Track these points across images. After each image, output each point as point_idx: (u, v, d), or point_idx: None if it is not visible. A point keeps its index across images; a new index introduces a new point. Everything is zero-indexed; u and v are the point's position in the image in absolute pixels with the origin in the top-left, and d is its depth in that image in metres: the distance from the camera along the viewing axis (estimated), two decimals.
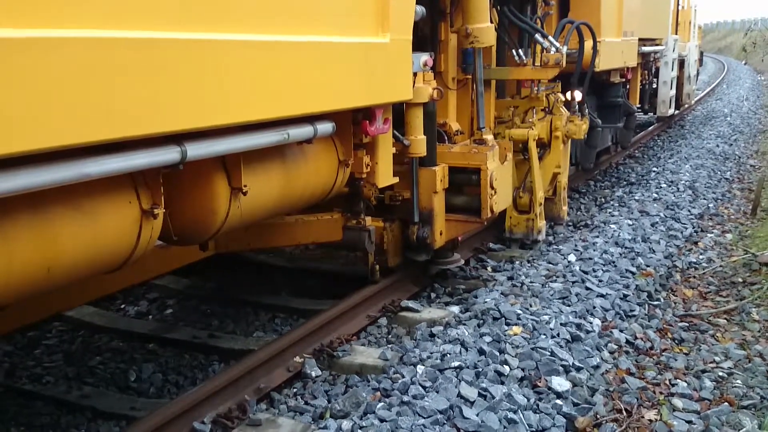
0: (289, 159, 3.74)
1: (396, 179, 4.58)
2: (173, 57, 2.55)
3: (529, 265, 5.69)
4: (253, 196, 3.40)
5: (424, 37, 5.27)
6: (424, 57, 4.48)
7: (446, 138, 5.35)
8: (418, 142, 4.65)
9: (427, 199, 4.80)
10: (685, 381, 3.97)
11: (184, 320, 4.91)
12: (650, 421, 3.54)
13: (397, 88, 4.16)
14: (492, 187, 5.01)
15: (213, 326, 4.82)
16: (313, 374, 3.90)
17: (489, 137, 5.17)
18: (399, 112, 4.63)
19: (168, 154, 2.70)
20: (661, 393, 3.84)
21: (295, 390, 3.82)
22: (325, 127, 3.69)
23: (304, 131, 3.50)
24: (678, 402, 3.72)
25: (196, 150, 2.81)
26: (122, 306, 5.18)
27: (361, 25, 3.78)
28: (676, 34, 12.78)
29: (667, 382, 3.97)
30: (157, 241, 3.09)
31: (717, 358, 4.31)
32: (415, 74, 4.44)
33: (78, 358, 4.38)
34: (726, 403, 3.69)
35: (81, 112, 2.22)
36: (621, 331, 4.51)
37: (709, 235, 7.13)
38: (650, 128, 14.32)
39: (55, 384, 4.03)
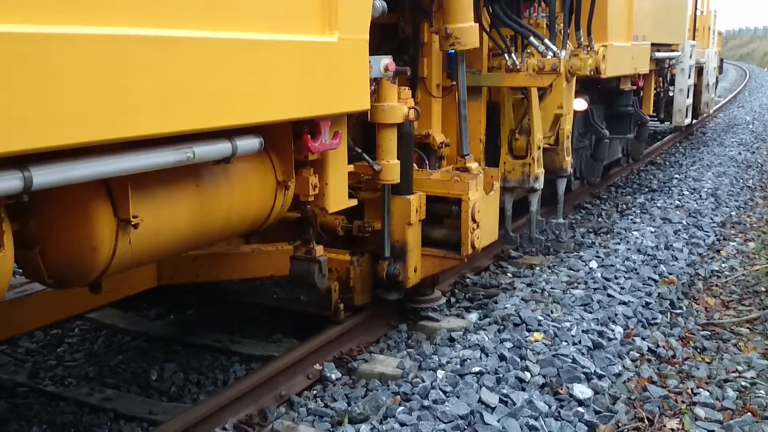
0: (206, 181, 3.05)
1: (353, 202, 3.90)
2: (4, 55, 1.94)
3: (549, 271, 5.67)
4: (149, 229, 2.77)
5: (406, 39, 4.80)
6: (385, 60, 3.83)
7: (430, 150, 4.91)
8: (391, 168, 4.08)
9: (400, 232, 4.26)
10: (708, 390, 3.94)
11: (204, 321, 4.93)
12: (672, 430, 3.51)
13: (348, 96, 3.45)
14: (474, 220, 4.41)
15: (233, 327, 4.83)
16: (333, 377, 3.92)
17: (473, 165, 4.56)
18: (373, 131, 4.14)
19: (5, 182, 2.09)
20: (683, 402, 3.81)
21: (315, 392, 3.84)
22: (249, 144, 3.01)
23: (217, 149, 2.82)
24: (700, 411, 3.69)
25: (45, 176, 2.17)
26: (144, 305, 5.21)
27: (299, 21, 3.11)
28: (694, 39, 12.50)
29: (690, 391, 3.94)
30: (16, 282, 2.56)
31: (740, 368, 4.27)
32: (374, 80, 3.82)
33: (100, 357, 4.42)
34: (749, 414, 3.65)
35: None
36: (643, 339, 4.48)
37: (731, 243, 7.06)
38: (667, 137, 14.11)
39: (78, 386, 4.06)
